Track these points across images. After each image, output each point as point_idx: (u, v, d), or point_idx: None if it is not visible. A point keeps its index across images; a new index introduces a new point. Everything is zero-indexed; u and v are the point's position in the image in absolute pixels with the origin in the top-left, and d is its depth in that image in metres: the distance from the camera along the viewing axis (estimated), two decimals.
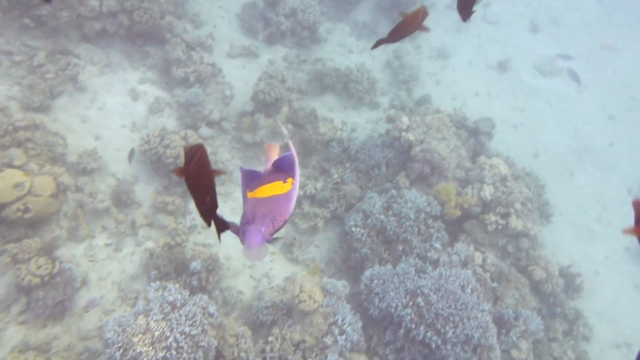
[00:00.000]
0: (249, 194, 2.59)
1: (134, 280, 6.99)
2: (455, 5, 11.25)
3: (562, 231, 9.29)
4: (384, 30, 11.60)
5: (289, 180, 2.59)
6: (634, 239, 2.48)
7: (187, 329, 5.56)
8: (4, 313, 6.24)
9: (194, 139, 7.64)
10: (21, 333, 6.17)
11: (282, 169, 2.65)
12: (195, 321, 5.67)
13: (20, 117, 6.85)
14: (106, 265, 7.01)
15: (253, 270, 7.55)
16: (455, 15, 12.50)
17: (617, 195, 10.41)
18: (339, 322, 6.37)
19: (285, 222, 2.49)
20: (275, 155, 2.82)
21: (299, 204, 7.99)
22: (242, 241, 2.43)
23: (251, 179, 2.67)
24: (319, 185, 8.12)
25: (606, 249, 9.28)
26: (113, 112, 8.19)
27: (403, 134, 7.89)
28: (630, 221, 2.19)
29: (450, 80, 11.19)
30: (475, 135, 8.95)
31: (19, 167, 6.53)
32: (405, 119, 7.95)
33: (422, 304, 6.36)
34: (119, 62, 8.66)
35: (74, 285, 6.44)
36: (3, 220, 6.39)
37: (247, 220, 2.45)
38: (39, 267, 6.21)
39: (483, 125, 8.89)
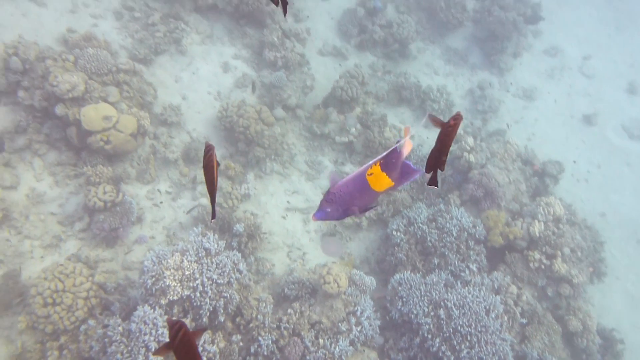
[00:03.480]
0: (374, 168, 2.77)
1: (182, 229, 7.53)
2: (551, 52, 11.00)
3: (614, 295, 8.84)
4: (475, 59, 11.70)
5: (391, 184, 2.76)
6: None
7: (214, 276, 5.96)
8: (68, 227, 6.97)
9: (267, 114, 8.14)
10: (77, 247, 6.87)
11: (404, 173, 2.80)
12: (224, 272, 6.06)
13: (124, 61, 7.68)
14: (162, 211, 7.61)
15: (291, 250, 7.87)
16: (550, 61, 12.29)
17: None
18: (358, 313, 6.52)
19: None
20: (406, 135, 2.87)
21: None
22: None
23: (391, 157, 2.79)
24: None
25: None
26: (203, 79, 8.92)
27: (465, 154, 7.96)
28: None
29: (529, 122, 11.04)
30: (540, 176, 8.80)
31: (111, 104, 7.32)
32: (470, 140, 8.02)
33: (443, 316, 6.38)
34: (220, 36, 9.43)
35: (130, 218, 7.07)
36: (87, 147, 7.18)
37: (333, 185, 2.70)
38: (105, 193, 6.90)
39: (551, 168, 8.73)
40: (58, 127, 7.23)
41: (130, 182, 7.62)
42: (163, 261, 5.96)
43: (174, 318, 2.50)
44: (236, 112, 8.03)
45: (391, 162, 2.76)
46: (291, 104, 8.91)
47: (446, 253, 7.23)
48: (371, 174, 2.73)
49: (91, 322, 5.94)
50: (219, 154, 8.31)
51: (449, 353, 6.24)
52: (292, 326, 6.34)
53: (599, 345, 7.58)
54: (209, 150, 2.51)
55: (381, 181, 2.75)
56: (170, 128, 8.16)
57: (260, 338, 6.09)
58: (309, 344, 6.17)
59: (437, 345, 6.30)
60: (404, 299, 6.70)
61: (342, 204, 2.70)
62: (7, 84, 7.06)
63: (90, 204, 6.86)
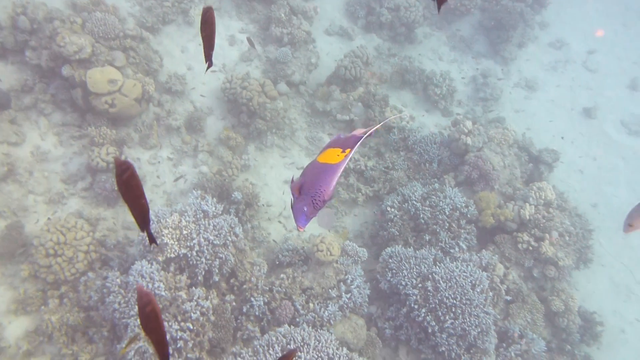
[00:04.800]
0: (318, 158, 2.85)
1: (182, 195, 7.72)
2: (557, 45, 11.05)
3: (598, 282, 9.04)
4: (480, 47, 11.81)
5: (347, 150, 2.80)
6: None
7: (211, 237, 6.15)
8: (71, 185, 7.17)
9: (270, 88, 8.30)
10: (79, 205, 7.07)
11: (348, 143, 2.85)
12: (220, 234, 6.25)
13: (132, 27, 7.82)
14: (163, 176, 7.79)
15: (288, 221, 8.06)
16: (555, 54, 12.37)
17: None
18: (348, 281, 6.73)
19: (324, 203, 2.69)
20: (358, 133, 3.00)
21: (346, 174, 8.42)
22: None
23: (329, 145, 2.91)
24: (370, 164, 8.52)
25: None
26: None
27: (462, 136, 8.11)
28: None
29: (529, 112, 11.17)
30: (535, 162, 8.96)
31: (117, 68, 7.47)
32: (468, 123, 8.17)
33: (430, 288, 6.58)
34: (228, 9, 9.55)
35: None
36: (92, 109, 7.34)
37: (295, 187, 2.72)
38: (107, 154, 7.09)
39: (546, 155, 8.89)
40: (64, 88, 7.39)
41: (133, 146, 7.79)
42: (162, 220, 6.16)
43: (122, 158, 2.46)
44: (240, 84, 8.18)
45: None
46: (295, 80, 9.05)
47: (438, 230, 7.42)
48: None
49: (91, 274, 6.15)
50: (220, 123, 8.48)
51: (433, 323, 6.45)
52: (284, 290, 6.55)
53: (579, 326, 7.79)
54: (209, 8, 2.62)
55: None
56: (175, 96, 8.32)
57: (252, 299, 6.30)
58: (300, 307, 6.39)
59: (423, 315, 6.51)
60: (394, 271, 6.90)
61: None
62: (14, 42, 7.20)
63: (93, 164, 7.05)
